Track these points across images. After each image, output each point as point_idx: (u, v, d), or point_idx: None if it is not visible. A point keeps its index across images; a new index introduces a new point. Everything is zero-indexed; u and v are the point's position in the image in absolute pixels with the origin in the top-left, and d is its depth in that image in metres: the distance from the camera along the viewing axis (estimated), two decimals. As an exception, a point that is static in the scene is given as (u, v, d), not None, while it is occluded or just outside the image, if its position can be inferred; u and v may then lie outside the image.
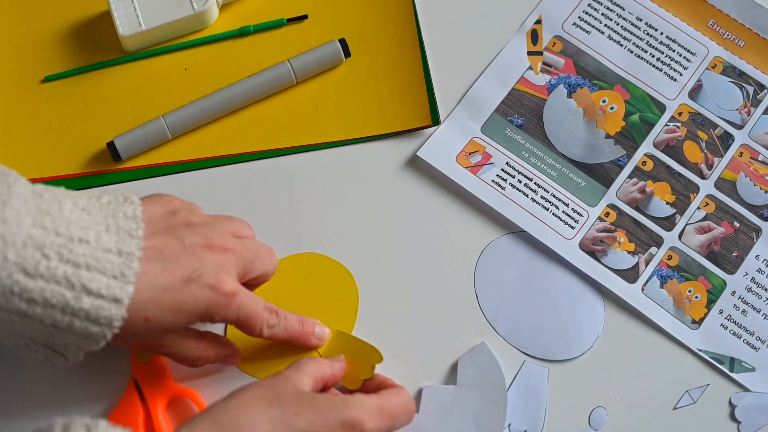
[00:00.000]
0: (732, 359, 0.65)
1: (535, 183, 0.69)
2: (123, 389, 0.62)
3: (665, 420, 0.64)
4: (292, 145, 0.69)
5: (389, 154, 0.69)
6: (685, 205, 0.69)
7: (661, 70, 0.72)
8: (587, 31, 0.73)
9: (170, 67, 0.71)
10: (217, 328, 0.64)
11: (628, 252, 0.67)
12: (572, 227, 0.68)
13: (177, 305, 0.54)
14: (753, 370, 0.65)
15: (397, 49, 0.71)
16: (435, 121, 0.70)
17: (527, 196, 0.68)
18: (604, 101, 0.71)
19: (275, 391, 0.54)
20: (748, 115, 0.71)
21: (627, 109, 0.71)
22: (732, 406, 0.65)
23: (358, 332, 0.64)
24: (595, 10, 0.73)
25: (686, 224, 0.68)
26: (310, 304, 0.64)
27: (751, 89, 0.72)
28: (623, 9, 0.74)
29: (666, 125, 0.71)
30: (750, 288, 0.67)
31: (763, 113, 0.71)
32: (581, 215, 0.68)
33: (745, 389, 0.65)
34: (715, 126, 0.71)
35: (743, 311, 0.67)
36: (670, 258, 0.67)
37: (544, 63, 0.72)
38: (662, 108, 0.71)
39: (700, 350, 0.66)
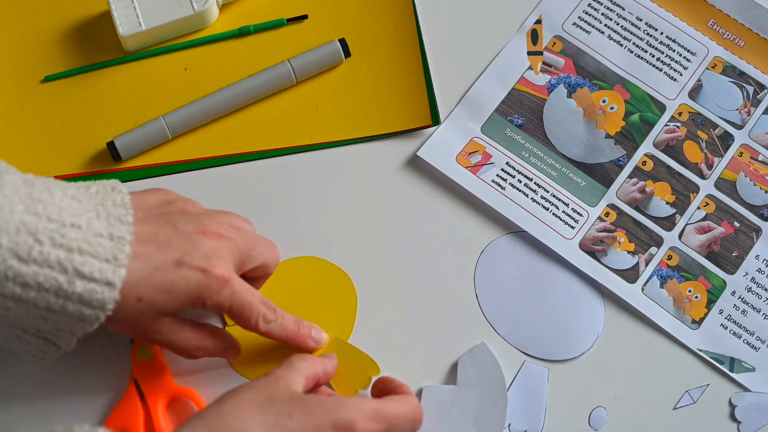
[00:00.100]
0: (732, 359, 0.65)
1: (535, 183, 0.69)
2: (123, 389, 0.62)
3: (665, 420, 0.64)
4: (292, 145, 0.69)
5: (389, 154, 0.69)
6: (685, 205, 0.69)
7: (661, 70, 0.72)
8: (587, 31, 0.73)
9: (170, 67, 0.71)
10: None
11: (628, 252, 0.67)
12: (572, 227, 0.68)
13: (168, 285, 0.54)
14: (753, 370, 0.65)
15: (397, 49, 0.71)
16: (435, 121, 0.70)
17: (527, 196, 0.68)
18: (604, 101, 0.71)
19: (268, 393, 0.54)
20: (748, 115, 0.71)
21: (627, 109, 0.71)
22: (732, 406, 0.65)
23: (358, 332, 0.64)
24: (595, 10, 0.73)
25: (686, 224, 0.68)
26: (307, 307, 0.64)
27: (751, 89, 0.72)
28: (623, 9, 0.73)
29: (666, 125, 0.71)
30: (750, 288, 0.67)
31: (763, 113, 0.71)
32: (581, 215, 0.68)
33: (745, 389, 0.65)
34: (715, 126, 0.71)
35: (743, 311, 0.67)
36: (670, 258, 0.67)
37: (544, 63, 0.72)
38: (662, 108, 0.71)
39: (700, 350, 0.66)
